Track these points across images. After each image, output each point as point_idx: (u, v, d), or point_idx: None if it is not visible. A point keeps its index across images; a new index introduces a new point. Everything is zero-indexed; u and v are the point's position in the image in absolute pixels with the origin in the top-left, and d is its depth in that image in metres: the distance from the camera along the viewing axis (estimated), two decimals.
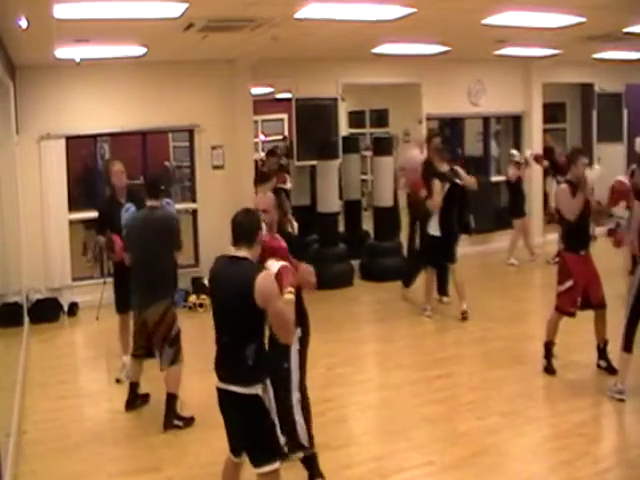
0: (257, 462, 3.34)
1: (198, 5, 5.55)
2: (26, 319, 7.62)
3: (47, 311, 8.17)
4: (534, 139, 11.42)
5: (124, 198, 6.02)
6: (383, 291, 8.83)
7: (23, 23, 5.27)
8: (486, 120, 11.77)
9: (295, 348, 3.95)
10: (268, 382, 3.36)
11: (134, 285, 5.26)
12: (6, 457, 4.21)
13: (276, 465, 3.34)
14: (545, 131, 11.81)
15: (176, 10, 5.68)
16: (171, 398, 5.06)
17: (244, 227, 3.35)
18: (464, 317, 7.41)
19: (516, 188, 10.18)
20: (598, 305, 5.67)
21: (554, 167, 10.27)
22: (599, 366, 5.79)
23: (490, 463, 4.38)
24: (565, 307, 5.67)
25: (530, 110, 11.48)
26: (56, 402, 5.71)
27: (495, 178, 11.70)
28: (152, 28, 6.40)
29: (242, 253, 3.31)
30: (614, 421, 5.14)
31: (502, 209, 11.65)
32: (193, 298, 8.43)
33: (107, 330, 8.00)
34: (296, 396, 3.98)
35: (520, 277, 9.81)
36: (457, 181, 7.41)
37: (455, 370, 6.10)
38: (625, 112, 12.30)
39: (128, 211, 5.75)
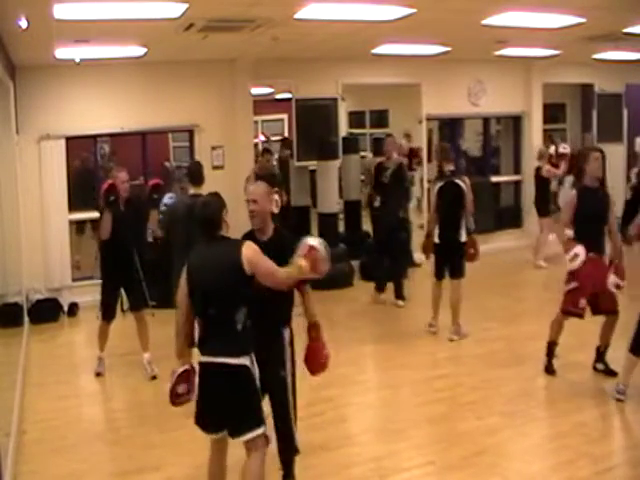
0: (244, 430, 3.46)
1: (198, 5, 5.56)
2: (26, 319, 7.62)
3: (47, 311, 8.17)
4: (534, 139, 11.42)
5: (123, 205, 6.03)
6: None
7: (23, 23, 5.27)
8: (486, 120, 11.79)
9: (288, 352, 3.99)
10: (253, 356, 3.49)
11: (178, 269, 5.17)
12: (6, 457, 4.21)
13: (262, 429, 3.49)
14: (545, 131, 11.83)
15: (176, 10, 5.69)
16: None
17: (208, 219, 3.58)
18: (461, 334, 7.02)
19: (545, 185, 9.98)
20: (608, 312, 5.56)
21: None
22: (595, 368, 5.76)
23: (490, 463, 4.38)
24: (567, 306, 5.57)
25: (530, 110, 11.48)
26: (56, 402, 5.71)
27: (495, 178, 11.72)
28: (152, 28, 6.41)
29: (217, 234, 3.54)
30: (614, 421, 5.13)
31: (502, 209, 11.67)
32: None
33: None
34: (292, 401, 4.03)
35: (520, 277, 9.80)
36: (458, 182, 7.08)
37: (455, 370, 6.10)
38: (625, 112, 12.30)
39: (171, 199, 6.32)
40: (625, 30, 7.90)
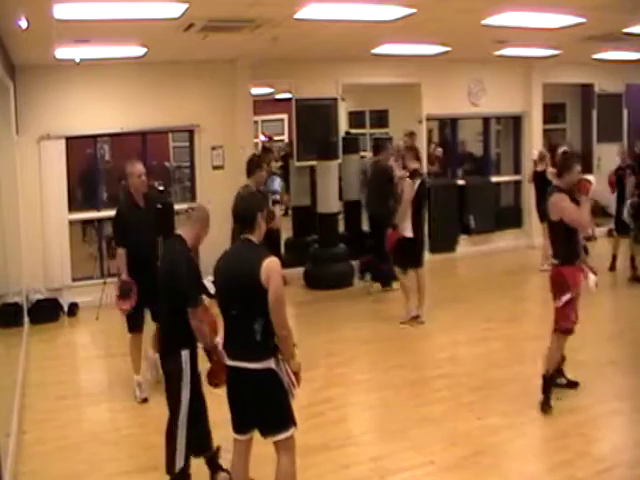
0: (274, 431, 3.48)
1: (198, 5, 5.56)
2: (26, 319, 7.62)
3: (47, 311, 8.17)
4: (534, 139, 11.42)
5: (142, 202, 5.67)
6: (383, 291, 8.83)
7: (23, 23, 5.27)
8: (486, 120, 11.79)
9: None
10: (280, 355, 3.46)
11: None
12: (6, 457, 4.21)
13: (292, 431, 3.51)
14: (545, 131, 11.82)
15: (176, 10, 5.69)
16: None
17: (239, 216, 3.56)
18: (419, 322, 7.32)
19: (546, 188, 9.94)
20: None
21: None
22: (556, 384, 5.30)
23: (490, 463, 4.38)
24: (568, 324, 5.04)
25: (530, 110, 11.49)
26: (56, 402, 5.72)
27: (495, 178, 11.73)
28: (152, 28, 6.41)
29: (248, 236, 3.50)
30: (614, 421, 5.13)
31: (502, 209, 11.67)
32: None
33: (107, 330, 8.04)
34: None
35: (520, 277, 9.80)
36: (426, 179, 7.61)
37: (455, 370, 6.10)
38: (625, 112, 12.30)
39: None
40: (625, 30, 7.90)
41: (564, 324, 5.04)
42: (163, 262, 4.28)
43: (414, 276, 7.46)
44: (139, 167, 5.64)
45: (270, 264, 3.36)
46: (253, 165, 6.82)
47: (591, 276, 5.12)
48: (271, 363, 3.41)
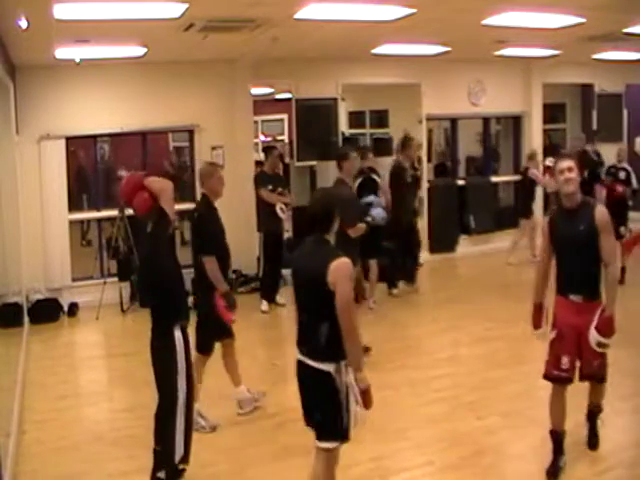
0: (319, 435, 3.47)
1: (198, 5, 5.56)
2: (26, 319, 7.62)
3: (47, 311, 8.17)
4: (534, 139, 11.42)
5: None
6: (383, 291, 8.83)
7: (23, 23, 5.27)
8: (486, 120, 11.78)
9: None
10: (343, 364, 3.38)
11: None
12: (6, 457, 4.21)
13: (335, 444, 3.42)
14: (545, 131, 11.83)
15: (176, 10, 5.69)
16: None
17: (312, 215, 3.48)
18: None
19: (531, 188, 10.13)
20: (589, 376, 4.25)
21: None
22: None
23: (490, 463, 4.38)
24: (549, 370, 4.20)
25: (530, 110, 11.49)
26: (56, 402, 5.71)
27: (495, 179, 11.73)
28: (152, 28, 6.41)
29: (322, 235, 3.46)
30: (614, 421, 5.12)
31: (502, 209, 11.67)
32: (193, 299, 8.39)
33: (107, 330, 8.06)
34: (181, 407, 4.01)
35: (520, 277, 9.79)
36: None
37: (455, 370, 6.10)
38: (625, 112, 12.30)
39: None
40: (625, 30, 7.91)
41: (548, 369, 4.21)
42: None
43: None
44: (218, 168, 5.44)
45: (339, 266, 3.27)
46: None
47: (592, 331, 4.05)
48: (330, 367, 3.34)
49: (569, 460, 4.28)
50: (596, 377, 4.25)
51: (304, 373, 3.47)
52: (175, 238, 4.12)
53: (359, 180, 7.58)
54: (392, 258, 8.73)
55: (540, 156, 10.66)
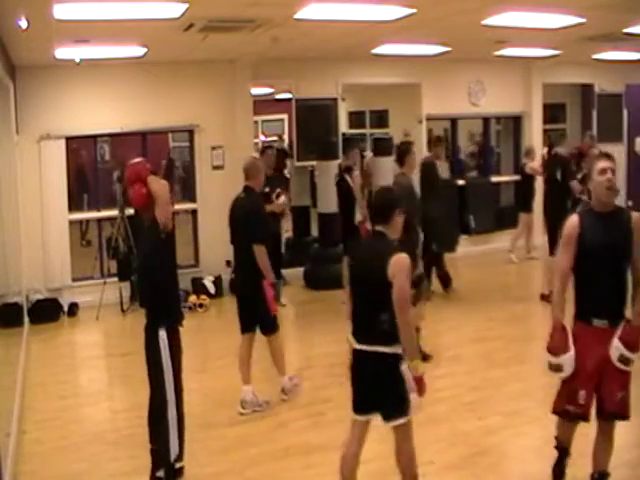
0: (388, 416, 3.55)
1: (198, 5, 5.55)
2: (26, 319, 7.62)
3: (47, 311, 8.18)
4: (534, 139, 11.42)
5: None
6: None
7: (23, 23, 5.27)
8: (486, 120, 11.78)
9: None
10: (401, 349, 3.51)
11: None
12: (6, 457, 4.21)
13: (405, 418, 3.54)
14: (545, 131, 11.82)
15: (176, 10, 5.68)
16: None
17: (373, 207, 3.72)
18: None
19: (530, 183, 10.15)
20: (612, 416, 3.80)
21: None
22: None
23: (490, 463, 4.38)
24: (561, 404, 3.83)
25: (530, 110, 11.49)
26: (56, 402, 5.72)
27: (495, 178, 11.73)
28: (152, 28, 6.40)
29: (382, 229, 3.58)
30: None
31: (503, 209, 11.67)
32: (193, 298, 8.42)
33: (107, 330, 8.06)
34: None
35: (520, 277, 9.81)
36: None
37: (455, 370, 6.10)
38: (625, 112, 12.30)
39: None
40: (625, 30, 7.90)
41: (560, 404, 3.86)
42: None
43: None
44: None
45: (398, 260, 3.41)
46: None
47: (614, 342, 3.56)
48: (397, 349, 3.45)
49: (571, 460, 4.28)
50: (618, 415, 3.78)
51: (364, 360, 3.55)
52: (174, 238, 4.10)
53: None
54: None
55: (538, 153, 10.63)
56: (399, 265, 3.39)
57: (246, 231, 5.24)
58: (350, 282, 3.70)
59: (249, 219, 5.25)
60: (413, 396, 3.49)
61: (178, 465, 4.02)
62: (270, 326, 5.35)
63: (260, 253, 5.13)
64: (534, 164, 10.01)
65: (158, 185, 3.97)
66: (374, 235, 3.64)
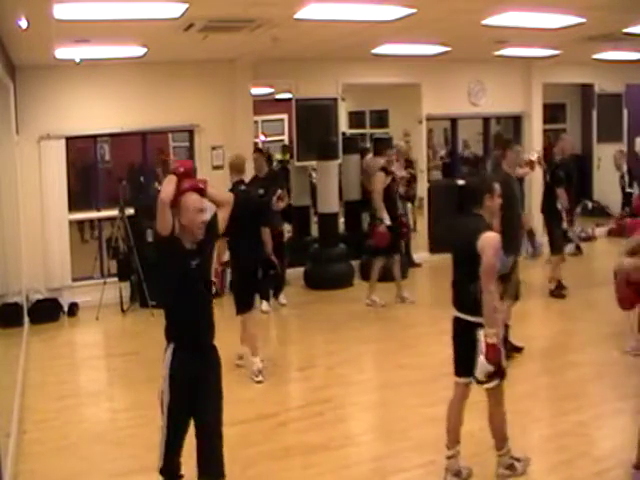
0: (479, 380, 4.01)
1: (198, 5, 5.56)
2: (26, 319, 7.62)
3: (47, 311, 8.17)
4: (534, 139, 11.41)
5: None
6: (383, 291, 8.82)
7: (23, 23, 5.27)
8: (486, 120, 11.79)
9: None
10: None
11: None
12: (6, 457, 4.21)
13: (496, 382, 4.00)
14: (545, 131, 11.82)
15: (176, 10, 5.68)
16: None
17: (464, 193, 4.31)
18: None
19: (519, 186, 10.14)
20: None
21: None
22: None
23: (490, 463, 4.37)
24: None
25: (530, 110, 11.47)
26: (56, 402, 5.71)
27: None
28: (152, 28, 6.40)
29: (477, 211, 4.03)
30: (614, 421, 5.12)
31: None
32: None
33: (107, 330, 8.06)
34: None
35: (520, 277, 9.78)
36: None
37: None
38: (625, 112, 12.30)
39: None
40: (625, 30, 7.90)
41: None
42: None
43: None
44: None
45: (487, 238, 3.82)
46: None
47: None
48: (482, 319, 3.81)
49: (569, 460, 4.29)
50: None
51: (458, 327, 4.06)
52: (180, 246, 3.72)
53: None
54: None
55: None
56: (488, 240, 3.80)
57: (255, 217, 6.11)
58: (452, 255, 4.19)
59: (259, 206, 6.35)
60: (481, 359, 3.84)
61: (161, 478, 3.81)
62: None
63: (268, 234, 6.18)
64: (522, 170, 9.96)
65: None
66: (471, 215, 4.05)
